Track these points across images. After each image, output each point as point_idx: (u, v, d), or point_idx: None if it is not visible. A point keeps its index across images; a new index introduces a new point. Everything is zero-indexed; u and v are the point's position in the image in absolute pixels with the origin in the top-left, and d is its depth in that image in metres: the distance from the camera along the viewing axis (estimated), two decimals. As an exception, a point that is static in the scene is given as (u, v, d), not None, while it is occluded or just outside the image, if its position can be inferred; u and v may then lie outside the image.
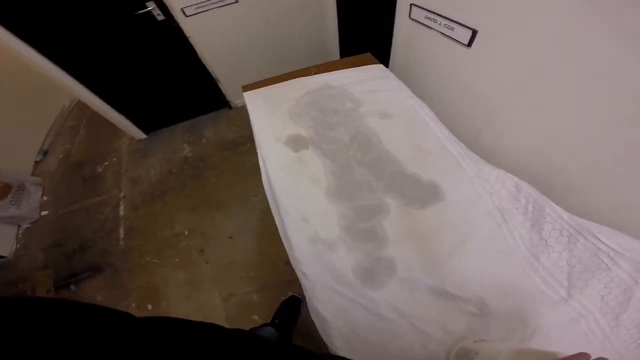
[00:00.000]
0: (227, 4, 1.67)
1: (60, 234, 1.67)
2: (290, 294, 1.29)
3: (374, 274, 0.71)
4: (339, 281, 0.70)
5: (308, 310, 0.70)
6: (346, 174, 0.89)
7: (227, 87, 2.08)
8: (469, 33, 0.98)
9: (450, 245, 0.73)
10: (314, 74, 1.25)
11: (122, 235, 1.61)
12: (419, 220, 0.78)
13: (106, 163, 2.03)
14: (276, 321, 1.19)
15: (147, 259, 1.51)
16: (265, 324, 1.00)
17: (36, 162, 2.10)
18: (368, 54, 1.35)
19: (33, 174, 2.01)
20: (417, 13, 1.20)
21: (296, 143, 0.98)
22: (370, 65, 1.26)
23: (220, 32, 1.78)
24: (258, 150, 0.98)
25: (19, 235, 1.68)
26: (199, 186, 1.76)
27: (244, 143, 1.97)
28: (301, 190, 0.85)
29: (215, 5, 1.66)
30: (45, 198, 1.87)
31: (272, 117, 1.06)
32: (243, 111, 2.25)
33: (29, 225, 1.73)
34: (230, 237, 1.51)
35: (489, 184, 0.82)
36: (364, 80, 1.18)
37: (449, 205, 0.80)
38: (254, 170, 1.76)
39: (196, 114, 2.25)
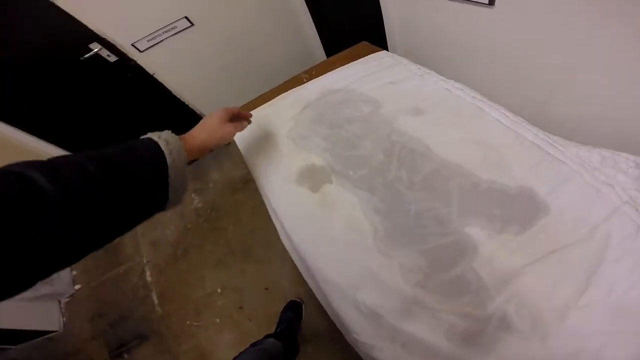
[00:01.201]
0: (181, 30, 1.81)
1: (99, 305, 1.98)
2: (290, 299, 1.55)
3: (481, 334, 0.59)
4: (430, 355, 0.59)
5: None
6: (396, 206, 0.78)
7: None
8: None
9: (583, 276, 0.59)
10: (307, 81, 1.19)
11: (156, 301, 1.88)
12: (524, 250, 0.64)
13: None
14: (278, 330, 1.41)
15: (188, 322, 1.75)
16: (268, 336, 1.19)
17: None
18: (364, 43, 1.31)
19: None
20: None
21: (312, 178, 0.89)
22: (371, 55, 1.20)
23: (185, 61, 1.92)
24: (266, 202, 0.94)
25: (62, 310, 2.03)
26: (219, 238, 1.98)
27: (253, 179, 2.21)
28: (337, 245, 0.75)
29: (168, 34, 1.80)
30: (74, 272, 2.21)
31: (270, 150, 0.98)
32: None
33: (68, 299, 2.07)
34: (266, 289, 1.72)
35: (600, 171, 0.69)
36: (372, 74, 1.11)
37: (559, 216, 0.66)
38: None
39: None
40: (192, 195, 2.30)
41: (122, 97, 1.95)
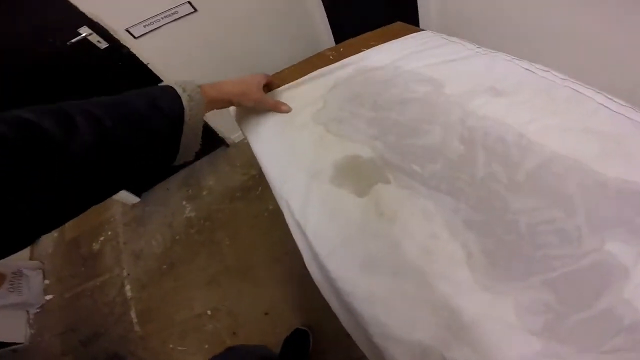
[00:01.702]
0: (183, 16, 1.75)
1: (71, 319, 1.92)
2: (295, 326, 1.42)
3: None
4: None
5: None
6: (496, 217, 0.60)
7: (217, 121, 2.20)
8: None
9: None
10: (334, 59, 1.04)
11: (135, 320, 1.79)
12: None
13: (102, 238, 2.23)
14: None
15: (171, 346, 1.63)
16: None
17: (32, 246, 2.38)
18: (399, 23, 1.19)
19: (31, 258, 2.30)
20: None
21: (357, 175, 0.70)
22: (412, 35, 1.07)
23: (185, 50, 1.85)
24: (285, 212, 0.72)
25: (31, 321, 1.98)
26: (213, 253, 1.87)
27: (255, 186, 2.08)
28: (406, 280, 0.57)
29: (168, 20, 1.73)
30: (47, 281, 2.14)
31: (290, 140, 0.81)
32: (244, 146, 2.38)
33: (38, 311, 2.02)
34: (266, 313, 1.61)
35: None
36: (422, 51, 0.97)
37: None
38: (275, 218, 1.87)
39: (190, 161, 2.48)
40: (184, 203, 2.21)
41: (111, 88, 1.86)
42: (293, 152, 0.79)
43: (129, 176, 0.47)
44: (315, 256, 0.63)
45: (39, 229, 0.38)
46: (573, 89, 0.75)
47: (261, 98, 0.77)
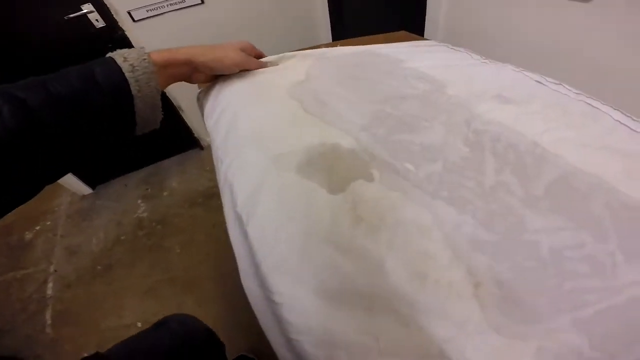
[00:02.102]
0: (189, 6, 1.79)
1: None
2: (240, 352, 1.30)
3: None
4: None
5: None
6: (513, 236, 0.50)
7: (195, 119, 2.16)
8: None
9: None
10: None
11: (49, 321, 1.65)
12: None
13: (38, 227, 2.09)
14: None
15: (86, 354, 1.59)
16: None
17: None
18: (403, 32, 1.21)
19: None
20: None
21: (332, 168, 0.59)
22: (416, 42, 1.05)
23: (183, 41, 1.93)
24: (224, 198, 0.61)
25: None
26: (158, 260, 1.75)
27: (218, 195, 2.09)
28: (389, 323, 0.44)
29: (173, 7, 1.77)
30: None
31: (257, 108, 0.70)
32: None
33: None
34: None
35: None
36: (425, 53, 0.91)
37: None
38: None
39: (157, 158, 2.31)
40: (139, 202, 2.09)
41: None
42: (254, 126, 0.65)
43: (76, 157, 0.46)
44: (256, 266, 0.49)
45: None
46: (588, 104, 0.70)
47: (242, 60, 0.69)
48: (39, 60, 1.73)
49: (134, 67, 0.49)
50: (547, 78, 0.80)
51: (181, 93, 2.06)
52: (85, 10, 1.66)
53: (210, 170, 2.21)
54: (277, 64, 0.83)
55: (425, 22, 1.44)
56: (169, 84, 0.58)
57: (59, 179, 0.46)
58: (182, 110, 2.13)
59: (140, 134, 0.54)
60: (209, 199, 2.04)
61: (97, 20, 1.70)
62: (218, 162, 0.67)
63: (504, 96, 0.73)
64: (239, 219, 0.55)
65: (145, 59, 0.50)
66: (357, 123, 0.68)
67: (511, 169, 0.58)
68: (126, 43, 1.78)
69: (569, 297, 0.45)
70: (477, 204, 0.54)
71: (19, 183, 0.41)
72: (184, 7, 1.80)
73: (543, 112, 0.69)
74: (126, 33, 1.77)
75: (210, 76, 0.71)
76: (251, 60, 0.72)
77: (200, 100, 0.83)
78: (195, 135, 2.29)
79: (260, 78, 0.77)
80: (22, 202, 0.43)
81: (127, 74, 0.48)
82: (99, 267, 1.81)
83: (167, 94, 2.00)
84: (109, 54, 0.49)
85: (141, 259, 1.81)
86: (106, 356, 0.69)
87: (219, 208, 1.95)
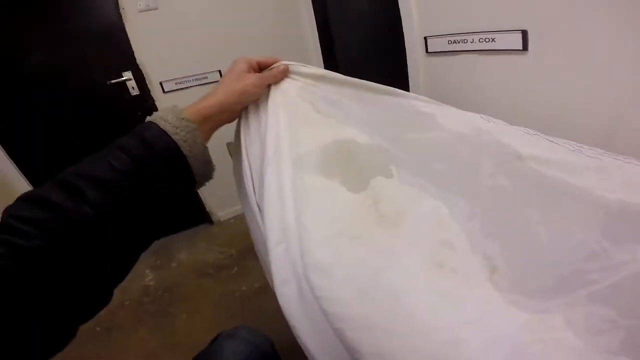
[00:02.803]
0: (211, 82, 2.05)
1: None
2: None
3: None
4: None
5: None
6: (517, 225, 0.56)
7: (207, 192, 2.26)
8: (518, 35, 1.10)
9: None
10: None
11: None
12: None
13: None
14: None
15: None
16: None
17: None
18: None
19: None
20: (435, 44, 1.40)
21: (350, 165, 0.62)
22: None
23: None
24: (247, 203, 0.63)
25: None
26: (162, 326, 1.68)
27: (230, 266, 2.00)
28: (414, 301, 0.47)
29: (197, 82, 2.04)
30: None
31: (264, 115, 0.67)
32: (229, 226, 2.39)
33: None
34: None
35: None
36: (417, 99, 0.79)
37: None
38: (247, 301, 1.75)
39: (167, 232, 2.30)
40: (147, 271, 2.07)
41: (122, 133, 2.03)
42: (265, 132, 0.64)
43: (152, 227, 0.48)
44: (293, 267, 0.51)
45: (93, 308, 0.41)
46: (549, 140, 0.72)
47: (245, 87, 0.60)
48: (80, 116, 1.94)
49: (176, 128, 0.47)
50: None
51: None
52: (125, 78, 1.91)
53: (220, 244, 2.24)
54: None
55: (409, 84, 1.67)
56: (210, 136, 0.56)
57: (141, 253, 0.46)
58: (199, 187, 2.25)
59: (199, 188, 0.55)
60: (219, 270, 2.02)
61: (133, 87, 1.95)
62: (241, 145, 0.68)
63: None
64: (257, 226, 0.60)
65: (183, 118, 0.49)
66: (367, 121, 0.70)
67: (506, 174, 0.62)
68: (153, 111, 2.00)
69: (574, 277, 0.50)
70: (484, 199, 0.60)
71: (110, 266, 0.41)
72: (206, 83, 2.09)
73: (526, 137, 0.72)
74: (156, 103, 2.01)
75: (236, 113, 0.66)
76: (266, 76, 0.66)
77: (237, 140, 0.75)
78: (207, 209, 2.36)
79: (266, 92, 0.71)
80: (116, 284, 0.43)
81: (173, 137, 0.46)
82: (98, 329, 1.70)
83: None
84: (148, 118, 0.49)
85: (143, 323, 1.72)
86: None
87: (228, 279, 1.97)
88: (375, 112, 0.71)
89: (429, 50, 1.52)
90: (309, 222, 0.53)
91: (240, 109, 0.64)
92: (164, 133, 0.45)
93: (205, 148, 0.51)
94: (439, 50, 1.47)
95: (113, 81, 1.90)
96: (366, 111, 0.71)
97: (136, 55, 1.90)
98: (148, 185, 0.43)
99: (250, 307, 1.72)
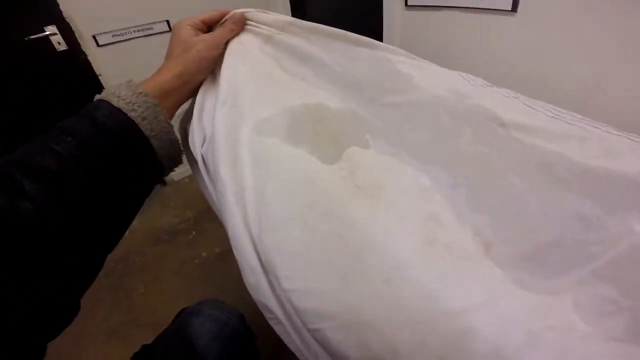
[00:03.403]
0: (156, 33, 1.84)
1: None
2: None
3: None
4: None
5: None
6: (502, 195, 0.53)
7: None
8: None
9: None
10: None
11: None
12: None
13: None
14: None
15: None
16: None
17: None
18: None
19: None
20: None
21: (321, 133, 0.56)
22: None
23: (146, 68, 1.92)
24: (205, 187, 0.56)
25: None
26: (120, 300, 1.63)
27: (187, 230, 1.94)
28: (406, 286, 0.42)
29: (140, 34, 1.81)
30: None
31: (228, 70, 0.57)
32: (184, 186, 2.28)
33: None
34: None
35: None
36: (395, 54, 0.68)
37: None
38: (209, 268, 1.72)
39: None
40: (95, 240, 1.98)
41: (50, 93, 1.76)
42: (225, 96, 0.55)
43: (115, 219, 0.42)
44: (257, 254, 0.45)
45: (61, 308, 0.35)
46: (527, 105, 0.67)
47: (202, 51, 0.52)
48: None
49: (132, 104, 0.41)
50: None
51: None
52: (47, 32, 1.64)
53: (174, 206, 2.14)
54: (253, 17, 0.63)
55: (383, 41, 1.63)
56: (174, 114, 0.51)
57: (109, 251, 0.42)
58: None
59: (168, 174, 0.50)
60: (176, 235, 1.95)
61: (59, 42, 1.69)
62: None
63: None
64: (226, 207, 0.49)
65: (141, 93, 0.42)
66: (340, 82, 0.62)
67: (485, 144, 0.58)
68: (86, 68, 1.77)
69: (577, 250, 0.48)
70: (467, 168, 0.56)
71: (70, 269, 0.35)
72: (149, 35, 1.85)
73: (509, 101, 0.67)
74: (88, 58, 1.76)
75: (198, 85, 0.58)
76: (219, 33, 0.57)
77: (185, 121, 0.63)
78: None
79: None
80: (83, 288, 0.38)
81: (129, 114, 0.40)
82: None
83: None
84: (98, 96, 0.41)
85: (100, 300, 1.66)
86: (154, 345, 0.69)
87: (186, 245, 1.87)
88: (349, 68, 0.63)
89: (408, 3, 1.44)
90: (270, 197, 0.47)
91: (201, 80, 0.56)
92: (117, 110, 0.39)
93: (170, 126, 0.46)
94: (420, 4, 1.39)
95: (33, 37, 1.62)
96: (340, 68, 0.63)
97: (62, 7, 1.61)
98: (102, 172, 0.37)
99: (212, 275, 1.70)
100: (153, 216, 2.09)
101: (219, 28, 0.57)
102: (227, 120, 0.53)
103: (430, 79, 0.65)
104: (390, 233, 0.47)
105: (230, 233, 0.47)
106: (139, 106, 0.41)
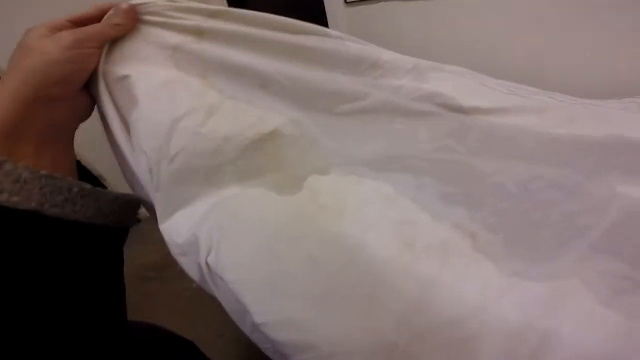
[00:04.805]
0: None
1: None
2: None
3: None
4: None
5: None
6: (474, 184, 0.53)
7: (123, 187, 2.10)
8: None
9: None
10: None
11: None
12: None
13: None
14: None
15: None
16: None
17: None
18: None
19: None
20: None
21: (278, 166, 0.54)
22: None
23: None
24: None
25: None
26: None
27: (172, 264, 1.94)
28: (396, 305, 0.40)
29: None
30: None
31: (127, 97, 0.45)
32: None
33: None
34: None
35: None
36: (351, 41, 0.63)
37: None
38: (202, 296, 1.75)
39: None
40: (78, 291, 1.93)
41: None
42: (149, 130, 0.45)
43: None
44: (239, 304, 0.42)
45: None
46: (481, 84, 0.69)
47: (70, 37, 0.36)
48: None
49: None
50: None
51: (99, 157, 1.84)
52: None
53: (154, 242, 2.09)
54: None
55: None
56: (67, 146, 0.39)
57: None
58: (105, 179, 2.00)
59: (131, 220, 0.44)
60: (161, 271, 1.95)
61: None
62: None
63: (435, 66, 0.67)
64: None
65: None
66: (295, 91, 0.54)
67: (444, 134, 0.58)
68: None
69: (566, 224, 0.46)
70: (429, 165, 0.55)
71: None
72: None
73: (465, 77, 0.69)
74: None
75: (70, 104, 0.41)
76: (92, 29, 0.39)
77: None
78: (130, 207, 2.16)
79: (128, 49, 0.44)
80: None
81: None
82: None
83: (82, 162, 1.83)
84: None
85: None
86: None
87: (174, 278, 1.87)
88: (302, 76, 0.54)
89: (347, 0, 1.52)
90: (228, 238, 0.44)
91: (66, 92, 0.38)
92: None
93: (48, 178, 0.31)
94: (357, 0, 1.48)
95: None
96: (289, 76, 0.53)
97: None
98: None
99: (206, 306, 1.69)
100: (135, 255, 2.05)
101: (93, 25, 0.40)
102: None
103: (393, 60, 0.62)
104: (365, 244, 0.45)
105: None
106: None
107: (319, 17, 1.55)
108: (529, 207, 0.49)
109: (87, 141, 1.76)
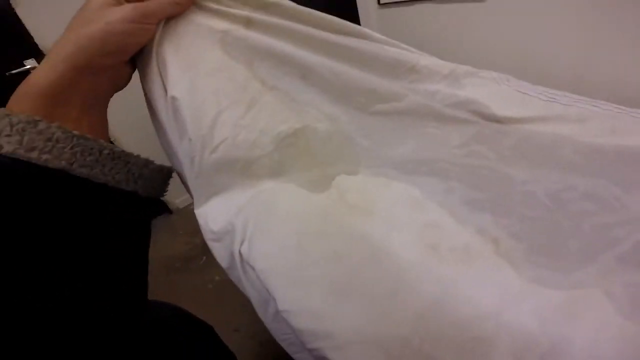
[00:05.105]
0: None
1: None
2: None
3: None
4: None
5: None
6: (503, 190, 0.52)
7: None
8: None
9: None
10: None
11: None
12: None
13: None
14: None
15: None
16: None
17: None
18: None
19: None
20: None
21: (307, 161, 0.55)
22: None
23: (127, 102, 1.92)
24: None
25: None
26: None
27: (198, 256, 1.98)
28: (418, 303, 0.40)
29: None
30: None
31: (188, 86, 0.44)
32: (189, 213, 2.40)
33: None
34: None
35: None
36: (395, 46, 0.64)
37: None
38: (223, 290, 1.76)
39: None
40: (109, 276, 2.02)
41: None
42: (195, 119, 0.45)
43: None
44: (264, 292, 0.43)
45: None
46: (520, 92, 0.68)
47: (128, 11, 0.36)
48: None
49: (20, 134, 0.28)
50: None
51: (136, 146, 1.94)
52: (28, 66, 1.69)
53: (183, 233, 2.17)
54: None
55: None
56: (101, 122, 0.39)
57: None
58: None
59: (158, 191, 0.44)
60: (188, 262, 1.99)
61: None
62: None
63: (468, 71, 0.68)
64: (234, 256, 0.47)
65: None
66: (335, 86, 0.55)
67: (475, 140, 0.58)
68: None
69: (596, 236, 0.44)
70: (458, 170, 0.55)
71: None
72: None
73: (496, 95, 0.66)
74: None
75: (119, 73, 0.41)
76: (149, 5, 0.39)
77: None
78: (163, 198, 2.26)
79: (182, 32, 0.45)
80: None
81: (24, 155, 0.28)
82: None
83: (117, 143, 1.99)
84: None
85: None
86: None
87: (199, 270, 1.88)
88: (342, 72, 0.55)
89: (381, 2, 1.50)
90: (259, 231, 0.45)
91: (116, 63, 0.38)
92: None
93: (89, 139, 0.32)
94: (392, 1, 1.45)
95: (14, 72, 1.67)
96: (330, 69, 0.54)
97: (37, 40, 1.67)
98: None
99: (227, 299, 1.71)
100: (163, 245, 2.12)
101: (145, 5, 0.39)
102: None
103: (430, 65, 0.63)
104: (390, 243, 0.46)
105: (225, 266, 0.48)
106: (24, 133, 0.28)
107: (351, 18, 1.55)
108: (559, 217, 0.47)
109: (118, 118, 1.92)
